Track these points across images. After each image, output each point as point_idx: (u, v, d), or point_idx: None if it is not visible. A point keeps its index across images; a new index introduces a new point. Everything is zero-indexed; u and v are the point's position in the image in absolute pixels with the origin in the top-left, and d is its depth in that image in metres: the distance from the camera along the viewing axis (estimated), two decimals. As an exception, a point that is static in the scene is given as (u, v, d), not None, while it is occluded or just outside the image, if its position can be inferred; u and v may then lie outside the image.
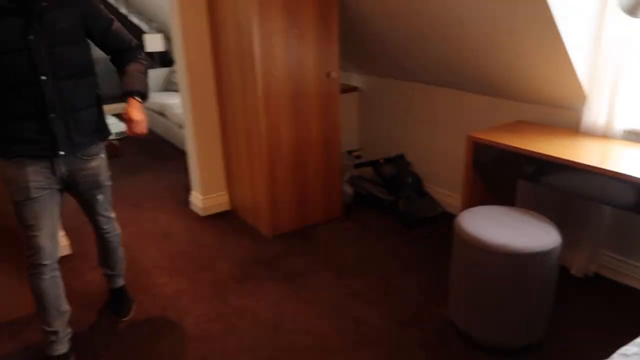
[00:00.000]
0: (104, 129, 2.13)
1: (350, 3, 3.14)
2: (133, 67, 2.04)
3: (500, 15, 2.40)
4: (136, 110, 1.95)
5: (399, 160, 3.51)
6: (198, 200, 3.65)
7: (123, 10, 6.81)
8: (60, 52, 1.82)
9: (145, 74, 2.06)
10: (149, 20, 7.03)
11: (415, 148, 3.75)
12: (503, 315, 2.09)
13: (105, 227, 2.29)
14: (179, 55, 3.34)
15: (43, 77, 1.80)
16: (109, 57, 2.11)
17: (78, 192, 2.12)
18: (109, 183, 2.22)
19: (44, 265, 1.98)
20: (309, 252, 3.09)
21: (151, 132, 6.04)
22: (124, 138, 5.10)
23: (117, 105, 7.06)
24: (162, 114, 5.48)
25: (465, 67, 2.98)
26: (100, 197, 2.17)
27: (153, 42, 6.30)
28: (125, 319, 2.48)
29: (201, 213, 3.64)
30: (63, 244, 3.04)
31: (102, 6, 2.00)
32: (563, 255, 2.67)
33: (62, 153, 1.92)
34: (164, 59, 6.92)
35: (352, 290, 2.68)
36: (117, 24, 2.05)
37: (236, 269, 2.91)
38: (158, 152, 5.31)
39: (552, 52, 2.38)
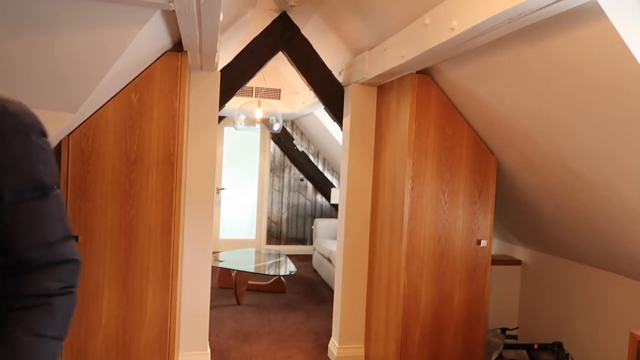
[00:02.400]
0: None
1: (508, 175, 3.14)
2: (19, 329, 0.96)
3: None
4: None
5: (557, 349, 3.07)
6: (335, 347, 3.66)
7: (320, 166, 7.80)
8: None
9: (35, 340, 0.96)
10: (338, 177, 7.89)
11: (578, 338, 3.24)
12: None
13: None
14: (342, 206, 3.68)
15: None
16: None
17: None
18: None
19: None
20: None
21: (317, 274, 6.41)
22: (289, 275, 5.52)
23: (298, 247, 7.74)
24: (328, 260, 5.84)
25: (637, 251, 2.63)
26: None
27: (338, 196, 7.04)
28: None
29: (335, 362, 3.62)
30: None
31: (38, 164, 1.02)
32: None
33: None
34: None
35: None
36: (33, 204, 1.01)
37: None
38: (317, 294, 5.57)
39: None
